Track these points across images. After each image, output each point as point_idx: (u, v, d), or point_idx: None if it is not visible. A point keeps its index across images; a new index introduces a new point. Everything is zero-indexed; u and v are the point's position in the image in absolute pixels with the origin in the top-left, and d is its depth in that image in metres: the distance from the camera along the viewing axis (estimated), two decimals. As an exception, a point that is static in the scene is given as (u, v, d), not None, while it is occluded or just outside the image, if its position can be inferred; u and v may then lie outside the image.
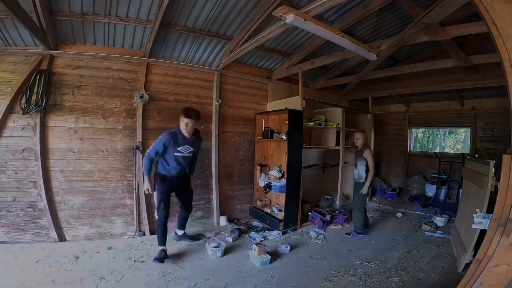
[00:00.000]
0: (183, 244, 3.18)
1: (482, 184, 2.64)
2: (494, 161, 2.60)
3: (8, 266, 2.46)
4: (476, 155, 5.07)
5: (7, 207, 2.94)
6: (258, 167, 4.32)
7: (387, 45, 3.32)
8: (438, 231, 3.68)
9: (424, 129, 7.08)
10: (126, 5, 2.74)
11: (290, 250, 3.07)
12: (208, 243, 2.99)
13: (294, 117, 3.71)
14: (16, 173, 2.97)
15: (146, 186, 2.89)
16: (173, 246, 3.10)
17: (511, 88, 1.24)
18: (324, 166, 5.29)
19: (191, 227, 3.67)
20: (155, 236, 2.85)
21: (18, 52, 2.99)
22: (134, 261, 2.72)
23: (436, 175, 5.05)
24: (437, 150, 7.16)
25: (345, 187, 5.16)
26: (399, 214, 4.54)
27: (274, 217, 3.80)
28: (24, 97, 2.83)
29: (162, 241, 2.81)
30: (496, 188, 1.45)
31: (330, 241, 3.41)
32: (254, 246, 2.80)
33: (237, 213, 4.28)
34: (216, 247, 2.89)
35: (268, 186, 3.94)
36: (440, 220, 3.98)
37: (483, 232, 1.32)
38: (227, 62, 3.86)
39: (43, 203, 3.01)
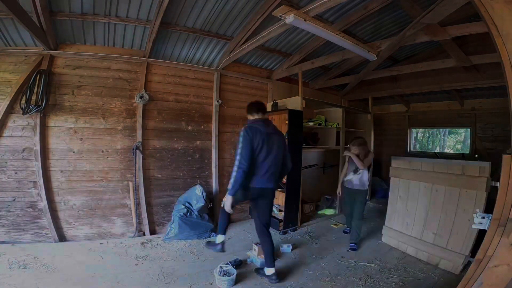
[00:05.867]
0: (183, 244, 3.18)
1: (473, 186, 2.57)
2: (490, 163, 2.55)
3: (8, 267, 2.46)
4: (476, 155, 5.07)
5: (7, 207, 2.94)
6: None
7: (387, 45, 3.31)
8: (438, 231, 3.67)
9: (424, 129, 7.07)
10: (126, 5, 2.74)
11: (291, 250, 3.07)
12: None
13: (294, 117, 3.71)
14: (16, 173, 2.97)
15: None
16: (173, 246, 3.10)
17: (511, 88, 1.24)
18: (324, 166, 5.29)
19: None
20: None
21: (18, 52, 2.99)
22: (137, 260, 2.72)
23: (436, 175, 5.04)
24: (437, 150, 7.14)
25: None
26: (399, 214, 4.53)
27: (274, 217, 3.79)
28: (24, 97, 2.83)
29: None
30: (494, 188, 1.45)
31: (330, 241, 3.41)
32: (254, 246, 2.80)
33: (237, 213, 4.27)
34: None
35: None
36: (440, 220, 3.96)
37: (483, 232, 1.32)
38: (227, 62, 3.87)
39: (43, 203, 3.01)
